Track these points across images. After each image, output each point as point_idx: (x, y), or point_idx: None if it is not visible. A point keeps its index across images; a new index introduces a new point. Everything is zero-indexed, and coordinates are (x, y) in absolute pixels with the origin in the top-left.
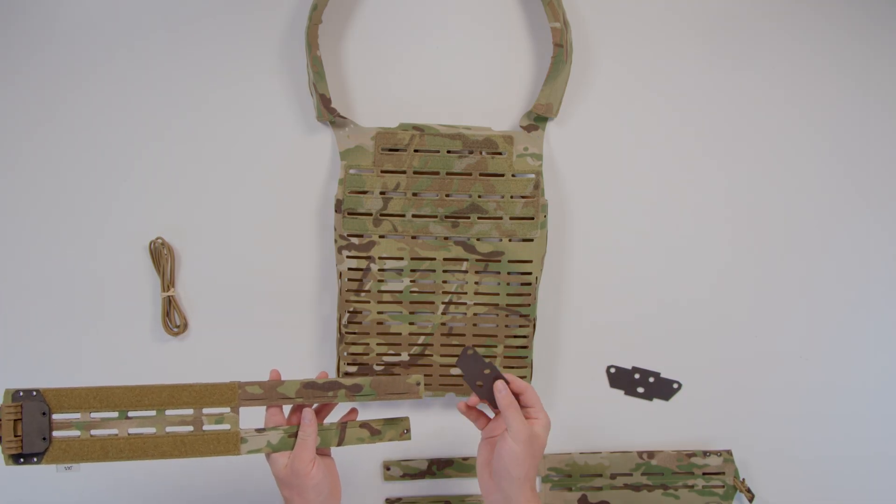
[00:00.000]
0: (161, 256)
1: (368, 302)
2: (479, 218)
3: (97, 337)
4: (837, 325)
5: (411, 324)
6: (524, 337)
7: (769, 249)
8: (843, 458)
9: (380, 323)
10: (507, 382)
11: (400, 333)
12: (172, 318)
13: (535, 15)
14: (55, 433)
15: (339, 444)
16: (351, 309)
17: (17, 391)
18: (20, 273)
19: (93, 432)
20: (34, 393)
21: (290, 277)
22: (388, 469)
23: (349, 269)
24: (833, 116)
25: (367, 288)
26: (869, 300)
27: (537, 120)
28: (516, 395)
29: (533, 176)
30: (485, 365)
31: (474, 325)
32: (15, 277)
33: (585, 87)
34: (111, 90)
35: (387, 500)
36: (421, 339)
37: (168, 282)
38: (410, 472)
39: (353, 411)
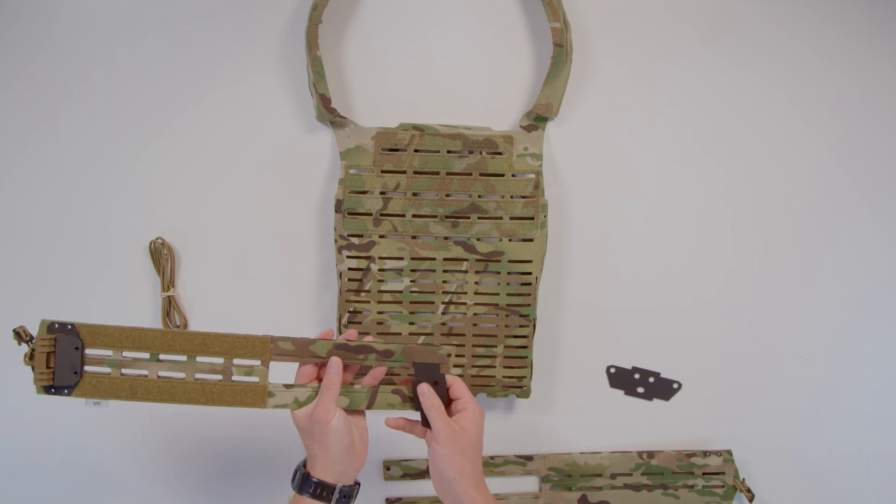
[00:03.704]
0: (161, 256)
1: (368, 302)
2: (479, 218)
3: None
4: (838, 325)
5: (411, 324)
6: (524, 337)
7: (769, 249)
8: (844, 458)
9: (380, 323)
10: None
11: (400, 333)
12: (172, 318)
13: (535, 15)
14: (87, 368)
15: (369, 406)
16: (351, 309)
17: (53, 323)
18: (20, 273)
19: (123, 371)
20: (69, 327)
21: (290, 277)
22: (388, 469)
23: (349, 269)
24: (833, 116)
25: (367, 288)
26: (869, 300)
27: (537, 120)
28: (448, 389)
29: (533, 176)
30: (437, 376)
31: (474, 325)
32: (15, 277)
33: (585, 87)
34: (111, 90)
35: (387, 500)
36: (421, 339)
37: (168, 282)
38: (410, 472)
39: (382, 370)
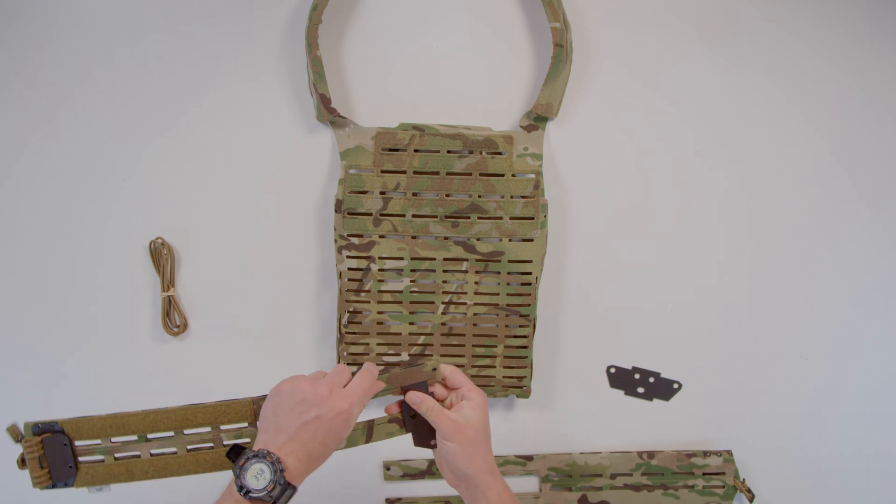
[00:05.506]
0: (161, 256)
1: (368, 302)
2: (479, 218)
3: (97, 337)
4: (838, 325)
5: (411, 324)
6: (524, 337)
7: (769, 249)
8: (844, 458)
9: (380, 323)
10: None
11: (400, 333)
12: (172, 318)
13: (535, 15)
14: (80, 459)
15: (368, 440)
16: (351, 309)
17: (36, 424)
18: (21, 273)
19: (116, 455)
20: (55, 425)
21: (290, 277)
22: (388, 469)
23: (349, 269)
24: (833, 116)
25: (367, 288)
26: (869, 300)
27: (537, 120)
28: (444, 382)
29: (533, 176)
30: (425, 391)
31: (474, 325)
32: (15, 277)
33: (585, 87)
34: (111, 90)
35: (387, 500)
36: (421, 339)
37: (168, 282)
38: (410, 472)
39: None
